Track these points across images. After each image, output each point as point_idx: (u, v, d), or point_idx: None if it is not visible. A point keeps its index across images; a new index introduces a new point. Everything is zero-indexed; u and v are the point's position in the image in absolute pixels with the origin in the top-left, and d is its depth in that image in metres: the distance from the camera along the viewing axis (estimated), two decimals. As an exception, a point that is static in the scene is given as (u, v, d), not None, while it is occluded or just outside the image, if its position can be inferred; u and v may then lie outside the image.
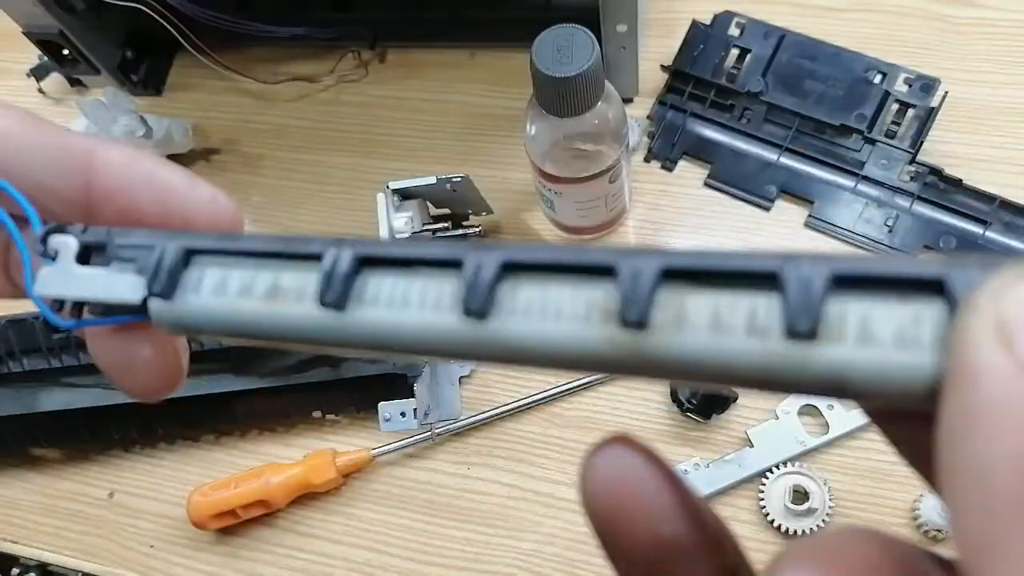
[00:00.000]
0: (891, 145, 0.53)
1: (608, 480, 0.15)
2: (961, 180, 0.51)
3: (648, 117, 0.57)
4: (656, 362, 0.14)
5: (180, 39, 0.59)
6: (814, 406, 0.47)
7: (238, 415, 0.52)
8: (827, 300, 0.13)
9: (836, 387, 0.13)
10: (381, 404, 0.47)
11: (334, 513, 0.50)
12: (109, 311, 0.18)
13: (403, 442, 0.49)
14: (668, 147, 0.56)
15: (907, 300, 0.12)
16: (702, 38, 0.56)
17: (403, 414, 0.47)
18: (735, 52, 0.56)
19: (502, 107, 0.60)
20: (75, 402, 0.52)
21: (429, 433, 0.49)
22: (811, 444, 0.47)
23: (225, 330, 0.17)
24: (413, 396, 0.47)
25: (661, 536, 0.15)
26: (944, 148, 0.53)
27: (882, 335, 0.12)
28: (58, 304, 0.19)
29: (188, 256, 0.18)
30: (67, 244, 0.19)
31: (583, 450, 0.52)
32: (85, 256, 0.19)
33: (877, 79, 0.54)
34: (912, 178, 0.53)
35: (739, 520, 0.46)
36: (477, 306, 0.15)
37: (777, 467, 0.46)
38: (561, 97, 0.43)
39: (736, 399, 0.47)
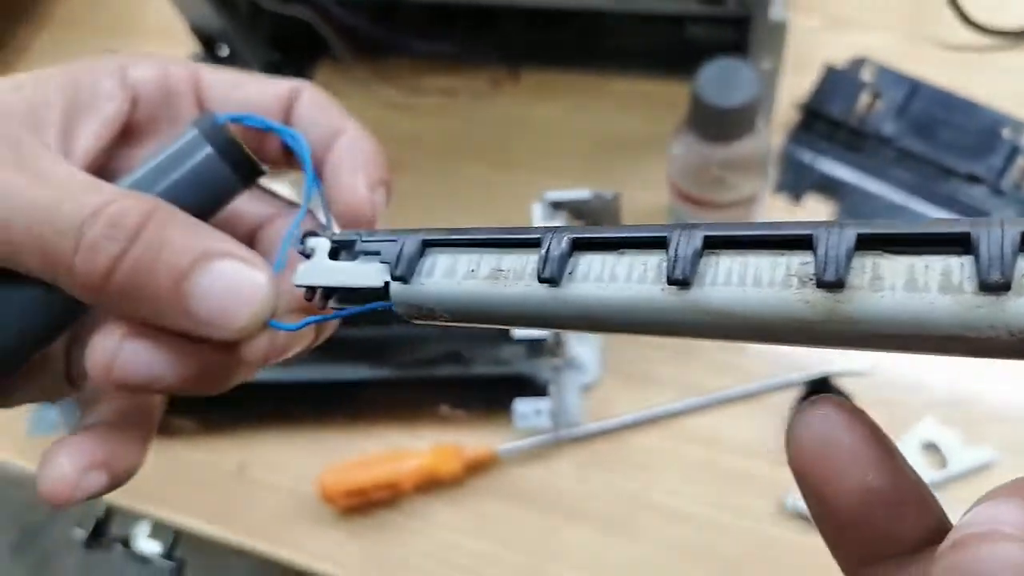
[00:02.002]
0: (1018, 198, 0.54)
1: (816, 433, 0.16)
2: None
3: (779, 152, 0.59)
4: (853, 322, 0.14)
5: (330, 45, 0.63)
6: (934, 443, 0.49)
7: (369, 403, 0.55)
8: (1019, 256, 0.14)
9: None
10: (517, 400, 0.49)
11: (456, 504, 0.52)
12: (352, 299, 0.21)
13: (527, 443, 0.52)
14: (796, 182, 0.58)
15: None
16: (836, 81, 0.59)
17: (537, 412, 0.49)
18: (867, 97, 0.58)
19: (630, 131, 0.63)
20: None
21: (553, 436, 0.51)
22: (929, 479, 0.48)
23: (453, 308, 0.19)
24: (548, 396, 0.49)
25: (869, 485, 0.15)
26: (1073, 204, 0.54)
27: None
28: (310, 293, 0.21)
29: (424, 247, 0.20)
30: (321, 244, 0.22)
31: (705, 466, 0.54)
32: (335, 254, 0.22)
33: (1007, 133, 0.56)
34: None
35: (856, 546, 0.47)
36: (681, 275, 0.16)
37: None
38: (719, 125, 0.45)
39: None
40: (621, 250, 0.17)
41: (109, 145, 0.23)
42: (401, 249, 0.20)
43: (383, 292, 0.20)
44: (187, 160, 0.23)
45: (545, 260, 0.17)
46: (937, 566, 0.13)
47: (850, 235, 0.15)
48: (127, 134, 0.24)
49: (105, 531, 0.82)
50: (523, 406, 0.49)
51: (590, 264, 0.17)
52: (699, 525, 0.49)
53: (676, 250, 0.16)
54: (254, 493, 0.55)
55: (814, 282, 0.15)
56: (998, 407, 0.50)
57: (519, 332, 0.49)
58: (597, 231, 0.18)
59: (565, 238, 0.18)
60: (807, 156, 0.58)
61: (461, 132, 0.65)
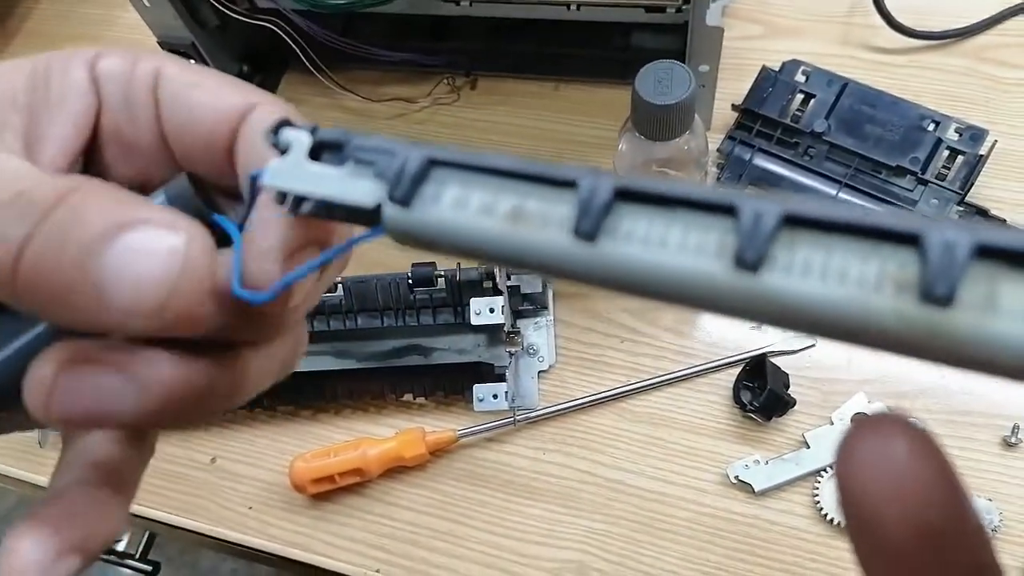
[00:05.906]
0: (941, 187, 0.58)
1: (882, 461, 0.14)
2: (1005, 220, 0.57)
3: (718, 150, 0.63)
4: (951, 346, 0.13)
5: (300, 55, 0.66)
6: (865, 415, 0.52)
7: (335, 393, 0.57)
8: None
9: None
10: (476, 386, 0.52)
11: (420, 487, 0.55)
12: (333, 212, 0.18)
13: (486, 425, 0.54)
14: (735, 178, 0.62)
15: None
16: (770, 82, 0.62)
17: (495, 396, 0.52)
18: (800, 96, 0.62)
19: (583, 135, 0.66)
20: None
21: (511, 419, 0.54)
22: (861, 449, 0.51)
23: (460, 246, 0.17)
24: (505, 381, 0.52)
25: (932, 526, 0.14)
26: (990, 193, 0.58)
27: None
28: (280, 198, 0.18)
29: (429, 166, 0.17)
30: (299, 139, 0.18)
31: (650, 443, 0.59)
32: (316, 154, 0.18)
33: (930, 127, 0.60)
34: (960, 217, 0.58)
35: (794, 513, 0.51)
36: (752, 258, 0.14)
37: (831, 467, 0.51)
38: (657, 123, 0.49)
39: (795, 404, 0.52)
40: (674, 210, 0.15)
41: (78, 151, 0.21)
42: (403, 166, 0.17)
43: (373, 213, 0.17)
44: None
45: (584, 211, 0.15)
46: None
47: (966, 242, 0.13)
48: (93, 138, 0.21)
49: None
50: (481, 391, 0.52)
51: (635, 222, 0.15)
52: (648, 498, 0.52)
53: (750, 226, 0.14)
54: (226, 484, 0.57)
55: (916, 292, 0.13)
56: (921, 382, 0.53)
57: (477, 320, 0.52)
58: (647, 183, 0.15)
59: (608, 185, 0.15)
60: (745, 153, 0.62)
61: (420, 137, 0.68)
